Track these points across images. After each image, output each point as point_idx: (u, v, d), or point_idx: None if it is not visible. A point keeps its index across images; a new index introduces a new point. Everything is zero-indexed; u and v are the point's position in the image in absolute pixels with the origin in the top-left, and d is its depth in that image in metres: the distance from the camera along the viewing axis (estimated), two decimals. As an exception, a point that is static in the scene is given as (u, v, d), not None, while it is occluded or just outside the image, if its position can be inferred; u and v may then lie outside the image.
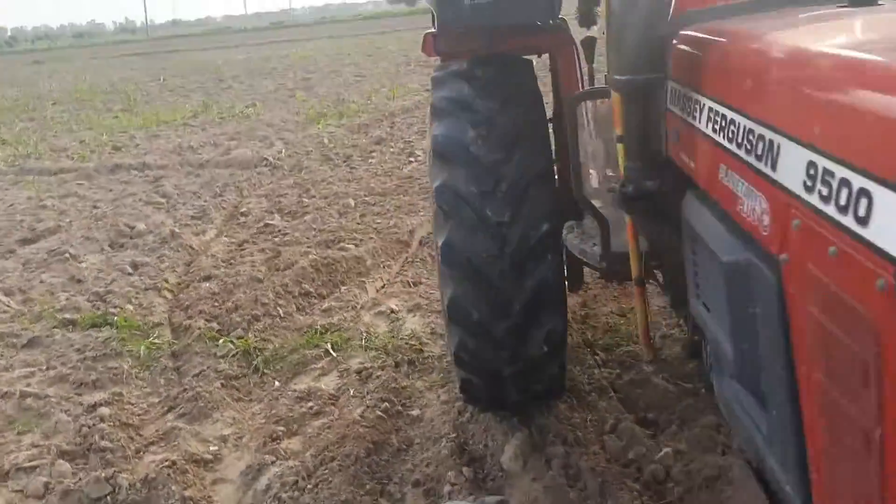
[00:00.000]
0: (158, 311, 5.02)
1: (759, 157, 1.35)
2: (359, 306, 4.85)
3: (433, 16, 3.08)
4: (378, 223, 6.48)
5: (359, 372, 3.99)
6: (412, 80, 17.58)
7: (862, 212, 0.97)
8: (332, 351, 4.25)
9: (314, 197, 7.67)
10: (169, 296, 5.36)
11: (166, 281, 5.57)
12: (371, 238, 6.05)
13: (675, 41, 1.79)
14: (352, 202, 7.21)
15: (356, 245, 5.89)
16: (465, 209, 2.83)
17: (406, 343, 4.23)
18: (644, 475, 2.98)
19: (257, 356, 4.27)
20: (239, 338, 4.46)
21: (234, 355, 4.28)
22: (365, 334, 4.40)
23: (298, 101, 15.66)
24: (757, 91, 1.37)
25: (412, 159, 9.10)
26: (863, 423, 1.03)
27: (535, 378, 3.11)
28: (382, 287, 5.25)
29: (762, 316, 1.40)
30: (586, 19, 3.20)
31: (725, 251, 1.50)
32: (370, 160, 9.31)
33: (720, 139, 1.56)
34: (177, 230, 6.66)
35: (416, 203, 7.05)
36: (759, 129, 1.34)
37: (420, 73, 18.87)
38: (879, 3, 1.73)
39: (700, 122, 1.69)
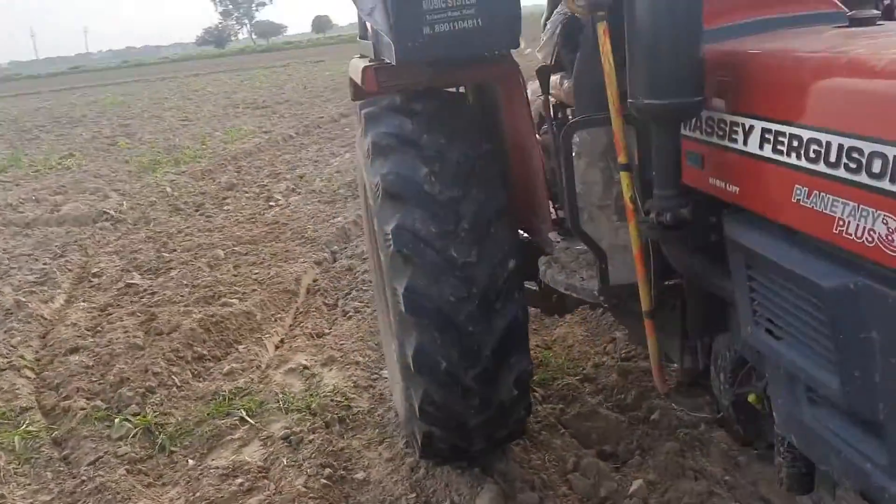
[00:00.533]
0: (23, 394, 4.33)
1: (876, 175, 1.30)
2: (263, 365, 4.46)
3: (374, 48, 2.90)
4: (257, 273, 6.06)
5: (285, 437, 3.63)
6: (244, 122, 17.00)
7: None
8: (247, 418, 3.85)
9: (175, 250, 7.07)
10: (31, 374, 4.66)
11: (23, 358, 4.85)
12: (254, 290, 5.63)
13: (711, 60, 1.75)
14: (221, 253, 6.71)
15: (240, 299, 5.46)
16: (427, 251, 2.65)
17: (331, 400, 3.91)
18: (625, 511, 2.92)
19: (160, 433, 3.78)
20: (135, 415, 3.93)
21: (133, 435, 3.76)
22: (280, 395, 4.03)
23: (122, 148, 14.61)
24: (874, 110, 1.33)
25: (272, 203, 8.69)
26: None
27: (502, 424, 2.96)
28: (282, 342, 4.88)
29: (884, 340, 1.35)
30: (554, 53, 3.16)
31: (824, 276, 1.45)
32: (226, 207, 8.77)
33: (793, 160, 1.52)
34: (21, 298, 5.86)
35: (292, 249, 6.69)
36: (873, 147, 1.30)
37: (251, 115, 18.32)
38: (878, 23, 1.78)
39: (753, 144, 1.65)
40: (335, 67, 29.15)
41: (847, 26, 1.81)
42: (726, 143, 1.77)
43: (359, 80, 2.98)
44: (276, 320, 5.19)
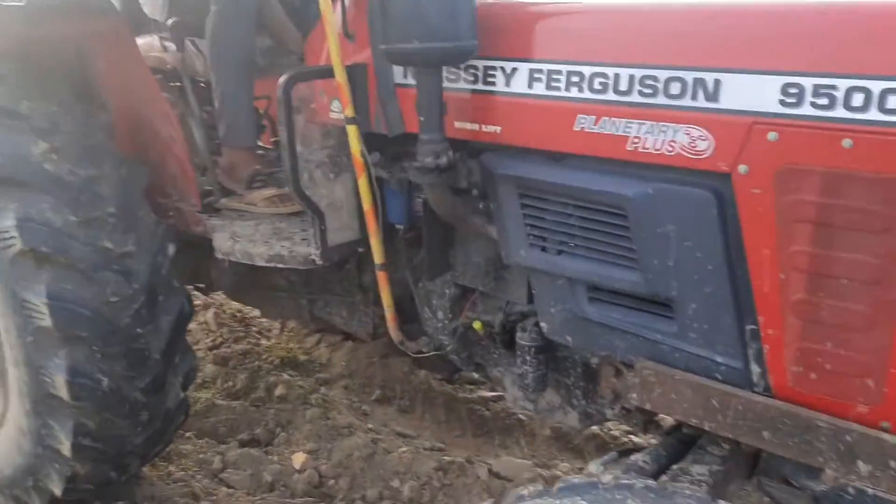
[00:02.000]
0: None
1: (675, 97, 1.60)
2: None
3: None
4: None
5: None
6: None
7: (893, 104, 1.37)
8: None
9: None
10: None
11: None
12: None
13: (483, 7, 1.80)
14: None
15: None
16: (72, 245, 2.11)
17: None
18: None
19: None
20: None
21: None
22: None
23: None
24: (683, 42, 1.60)
25: None
26: (877, 272, 1.44)
27: (163, 435, 2.55)
28: None
29: (679, 230, 1.67)
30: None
31: (624, 188, 1.70)
32: None
33: (575, 94, 1.72)
34: None
35: None
36: (674, 74, 1.59)
37: None
38: None
39: (519, 85, 1.79)
40: None
41: None
42: (481, 87, 1.88)
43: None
44: None
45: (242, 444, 3.07)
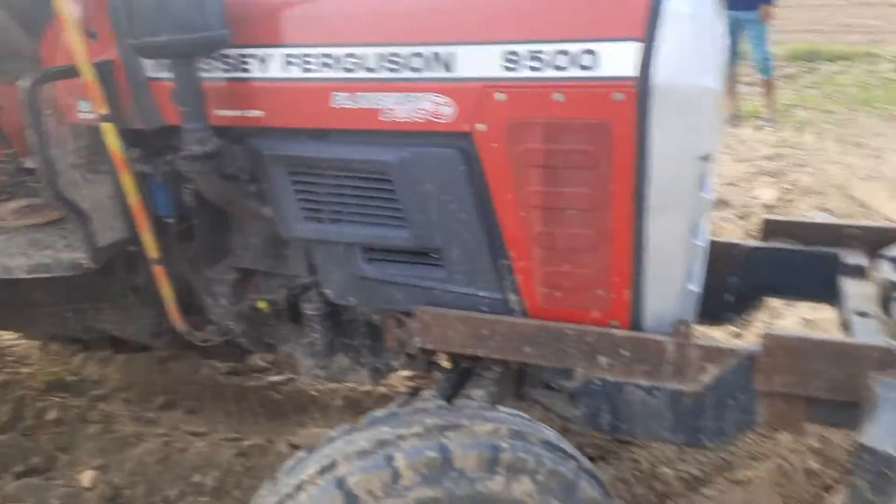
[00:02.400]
0: None
1: (418, 70, 1.81)
2: None
3: None
4: None
5: None
6: None
7: (588, 62, 1.68)
8: None
9: None
10: None
11: None
12: None
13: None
14: None
15: None
16: None
17: None
18: None
19: None
20: None
21: None
22: None
23: None
24: (421, 22, 1.79)
25: None
26: (594, 201, 1.77)
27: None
28: None
29: (436, 187, 1.90)
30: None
31: (384, 154, 1.89)
32: None
33: (329, 74, 1.87)
34: None
35: None
36: (415, 50, 1.80)
37: None
38: None
39: (275, 70, 1.90)
40: None
41: None
42: (237, 74, 1.96)
43: None
44: None
45: (19, 476, 2.87)
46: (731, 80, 7.89)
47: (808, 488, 2.46)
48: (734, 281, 2.39)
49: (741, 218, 5.15)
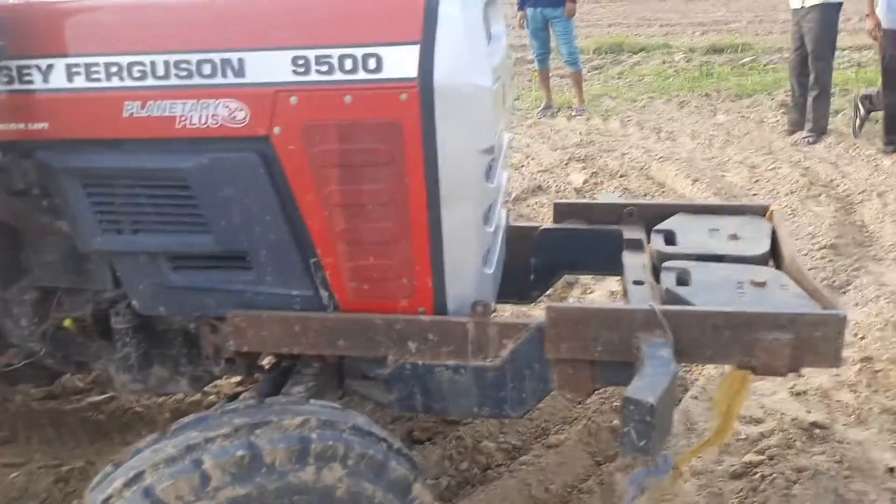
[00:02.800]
0: None
1: (208, 76, 1.83)
2: None
3: None
4: None
5: None
6: None
7: (373, 65, 1.77)
8: None
9: None
10: None
11: None
12: None
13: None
14: None
15: None
16: None
17: None
18: None
19: None
20: None
21: None
22: None
23: None
24: (208, 28, 1.80)
25: None
26: (391, 195, 1.87)
27: None
28: None
29: (237, 190, 1.93)
30: None
31: (183, 161, 1.89)
32: None
33: (117, 83, 1.85)
34: None
35: None
36: (204, 57, 1.81)
37: None
38: None
39: (58, 81, 1.85)
40: None
41: None
42: (18, 87, 1.88)
43: None
44: None
45: None
46: (545, 73, 8.35)
47: (613, 444, 2.71)
48: (534, 261, 2.58)
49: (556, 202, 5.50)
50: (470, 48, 1.78)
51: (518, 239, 2.56)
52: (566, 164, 6.29)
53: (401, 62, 1.77)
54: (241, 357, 2.22)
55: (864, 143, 5.91)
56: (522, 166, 6.36)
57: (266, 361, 2.35)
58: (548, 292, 2.79)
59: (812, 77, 6.01)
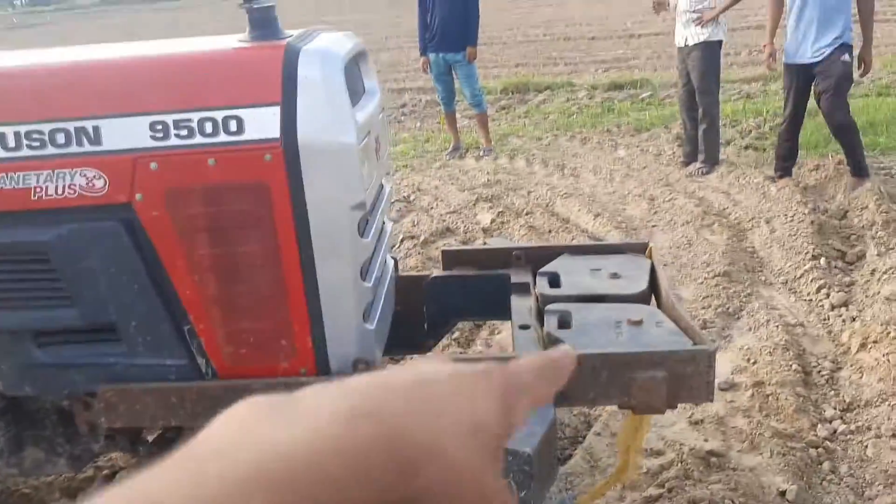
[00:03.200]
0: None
1: (63, 146, 1.77)
2: None
3: None
4: None
5: None
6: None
7: (234, 128, 1.75)
8: None
9: None
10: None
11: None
12: None
13: None
14: None
15: None
16: None
17: None
18: None
19: None
20: None
21: None
22: None
23: None
24: (60, 97, 1.73)
25: None
26: (262, 257, 1.85)
27: None
28: None
29: (101, 259, 1.86)
30: None
31: (42, 234, 1.81)
32: None
33: None
34: None
35: None
36: (57, 126, 1.75)
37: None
38: None
39: None
40: None
41: None
42: None
43: None
44: None
45: None
46: (452, 116, 8.47)
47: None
48: (426, 310, 2.58)
49: (465, 243, 5.53)
50: (331, 107, 1.78)
51: (409, 288, 2.55)
52: (474, 204, 6.35)
53: (262, 123, 1.75)
54: (122, 432, 2.13)
55: (754, 172, 6.18)
56: (431, 208, 6.39)
57: (149, 435, 2.25)
58: (454, 336, 2.78)
59: (700, 111, 6.29)
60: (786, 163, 5.85)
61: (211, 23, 27.23)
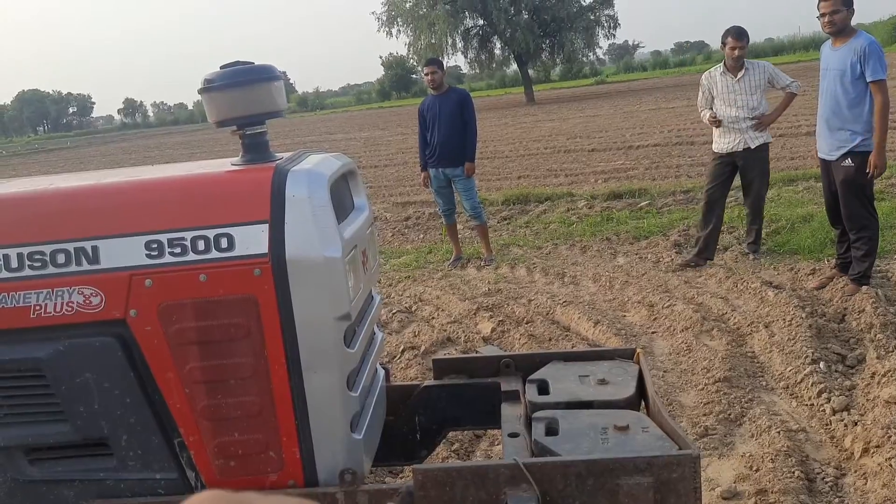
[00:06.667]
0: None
1: (62, 265, 1.86)
2: None
3: None
4: None
5: None
6: None
7: (225, 244, 1.84)
8: None
9: None
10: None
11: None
12: None
13: None
14: None
15: None
16: None
17: None
18: None
19: None
20: None
21: None
22: None
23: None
24: (60, 220, 1.84)
25: None
26: (251, 368, 1.90)
27: None
28: None
29: (96, 374, 1.91)
30: None
31: (38, 351, 1.87)
32: None
33: None
34: None
35: None
36: (57, 247, 1.85)
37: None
38: None
39: None
40: None
41: None
42: None
43: None
44: None
45: None
46: (453, 227, 8.66)
47: None
48: (418, 419, 2.59)
49: (465, 353, 5.54)
50: (317, 223, 1.87)
51: (400, 398, 2.57)
52: (475, 313, 6.40)
53: (252, 240, 1.84)
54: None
55: (751, 277, 6.25)
56: (432, 318, 6.44)
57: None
58: (454, 448, 2.77)
59: (750, 210, 6.98)
60: (838, 259, 5.81)
61: (225, 143, 28.15)
